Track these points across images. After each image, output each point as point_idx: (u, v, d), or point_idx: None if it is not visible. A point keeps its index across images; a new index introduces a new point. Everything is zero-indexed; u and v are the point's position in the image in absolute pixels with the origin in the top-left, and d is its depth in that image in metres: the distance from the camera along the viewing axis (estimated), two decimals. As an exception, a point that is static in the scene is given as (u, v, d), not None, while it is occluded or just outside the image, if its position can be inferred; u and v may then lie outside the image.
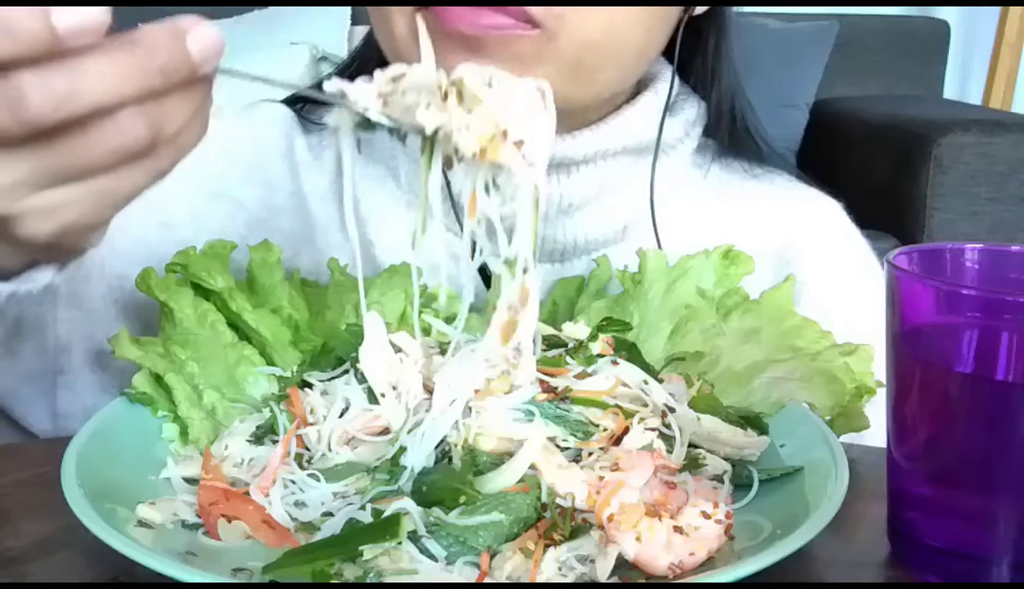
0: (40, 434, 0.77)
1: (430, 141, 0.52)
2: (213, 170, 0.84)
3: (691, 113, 0.85)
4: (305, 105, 0.91)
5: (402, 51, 0.72)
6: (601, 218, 0.81)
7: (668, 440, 0.57)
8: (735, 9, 0.87)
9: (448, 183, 0.77)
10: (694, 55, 0.85)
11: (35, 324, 0.74)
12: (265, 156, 0.87)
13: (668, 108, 0.82)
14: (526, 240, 0.53)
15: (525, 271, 0.53)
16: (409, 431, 0.56)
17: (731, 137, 0.89)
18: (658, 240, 0.80)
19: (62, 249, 0.51)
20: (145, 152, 0.45)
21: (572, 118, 0.77)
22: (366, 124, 0.52)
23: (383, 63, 0.62)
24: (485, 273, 0.79)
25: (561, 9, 0.67)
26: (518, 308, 0.54)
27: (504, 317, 0.54)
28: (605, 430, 0.57)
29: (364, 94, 0.51)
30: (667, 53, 0.81)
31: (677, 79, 0.83)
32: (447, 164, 0.52)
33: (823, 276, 0.83)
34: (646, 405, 0.59)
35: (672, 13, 0.77)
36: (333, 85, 0.51)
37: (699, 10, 0.81)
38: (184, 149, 0.47)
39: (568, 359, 0.62)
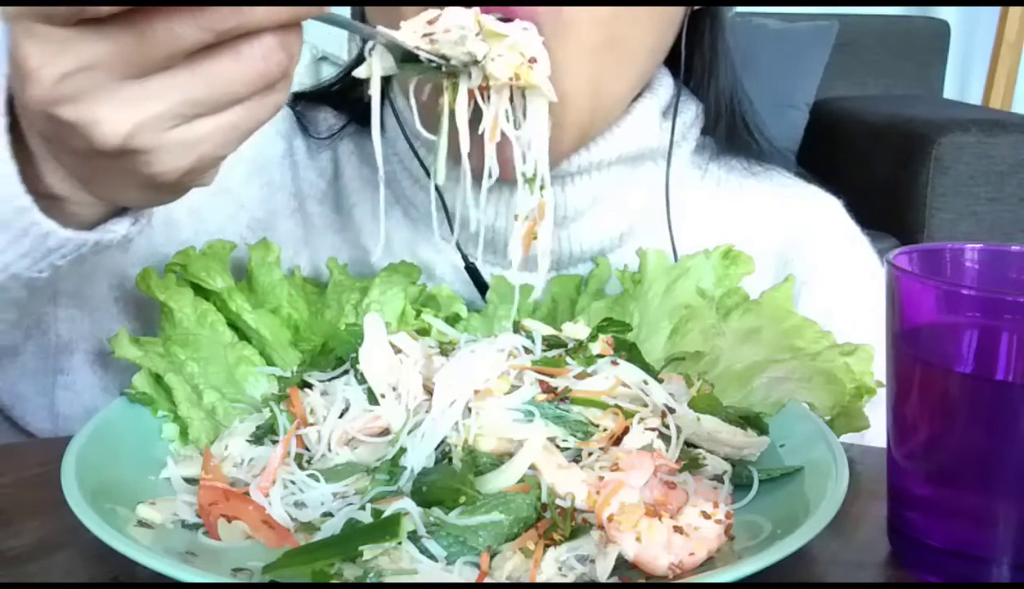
0: (40, 435, 0.77)
1: (453, 79, 0.62)
2: None
3: (688, 115, 0.84)
4: (300, 104, 0.91)
5: None
6: (597, 227, 0.80)
7: (668, 440, 0.57)
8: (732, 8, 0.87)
9: (442, 197, 0.77)
10: (691, 54, 0.85)
11: (37, 323, 0.74)
12: (265, 156, 0.87)
13: (668, 112, 0.82)
14: (543, 157, 0.64)
15: (542, 187, 0.65)
16: (409, 432, 0.56)
17: (730, 134, 0.88)
18: (674, 247, 0.79)
19: (177, 188, 0.52)
20: (277, 82, 0.47)
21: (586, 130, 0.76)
22: (405, 63, 0.60)
23: None
24: (480, 280, 0.79)
25: (567, 17, 0.67)
26: (536, 220, 0.65)
27: (524, 227, 0.66)
28: (605, 430, 0.57)
29: (410, 35, 0.59)
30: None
31: (674, 81, 0.83)
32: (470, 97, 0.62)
33: (825, 275, 0.83)
34: (646, 405, 0.59)
35: (678, 12, 0.77)
36: (380, 30, 0.59)
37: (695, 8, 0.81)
38: (288, 88, 0.49)
39: (568, 359, 0.62)
